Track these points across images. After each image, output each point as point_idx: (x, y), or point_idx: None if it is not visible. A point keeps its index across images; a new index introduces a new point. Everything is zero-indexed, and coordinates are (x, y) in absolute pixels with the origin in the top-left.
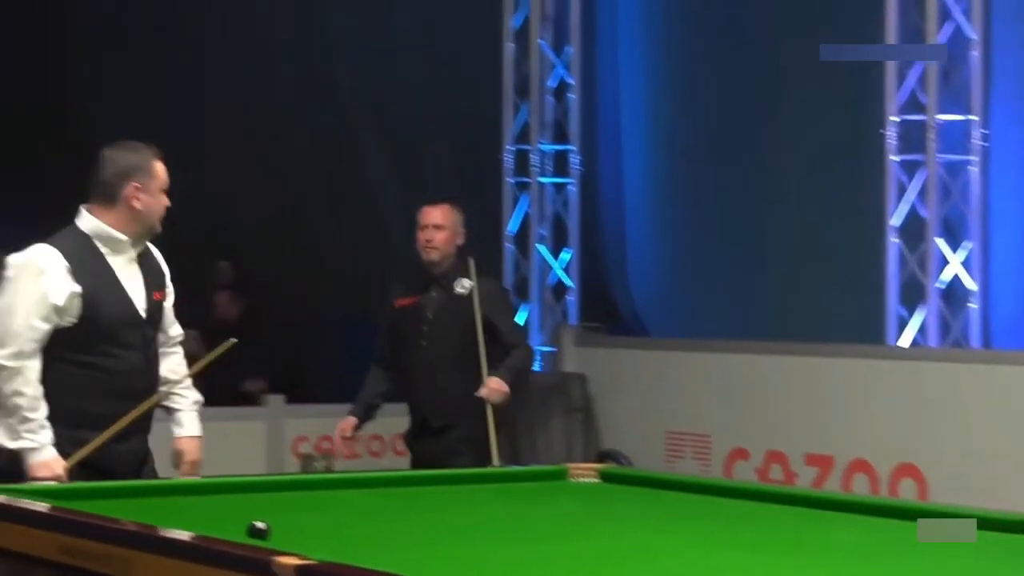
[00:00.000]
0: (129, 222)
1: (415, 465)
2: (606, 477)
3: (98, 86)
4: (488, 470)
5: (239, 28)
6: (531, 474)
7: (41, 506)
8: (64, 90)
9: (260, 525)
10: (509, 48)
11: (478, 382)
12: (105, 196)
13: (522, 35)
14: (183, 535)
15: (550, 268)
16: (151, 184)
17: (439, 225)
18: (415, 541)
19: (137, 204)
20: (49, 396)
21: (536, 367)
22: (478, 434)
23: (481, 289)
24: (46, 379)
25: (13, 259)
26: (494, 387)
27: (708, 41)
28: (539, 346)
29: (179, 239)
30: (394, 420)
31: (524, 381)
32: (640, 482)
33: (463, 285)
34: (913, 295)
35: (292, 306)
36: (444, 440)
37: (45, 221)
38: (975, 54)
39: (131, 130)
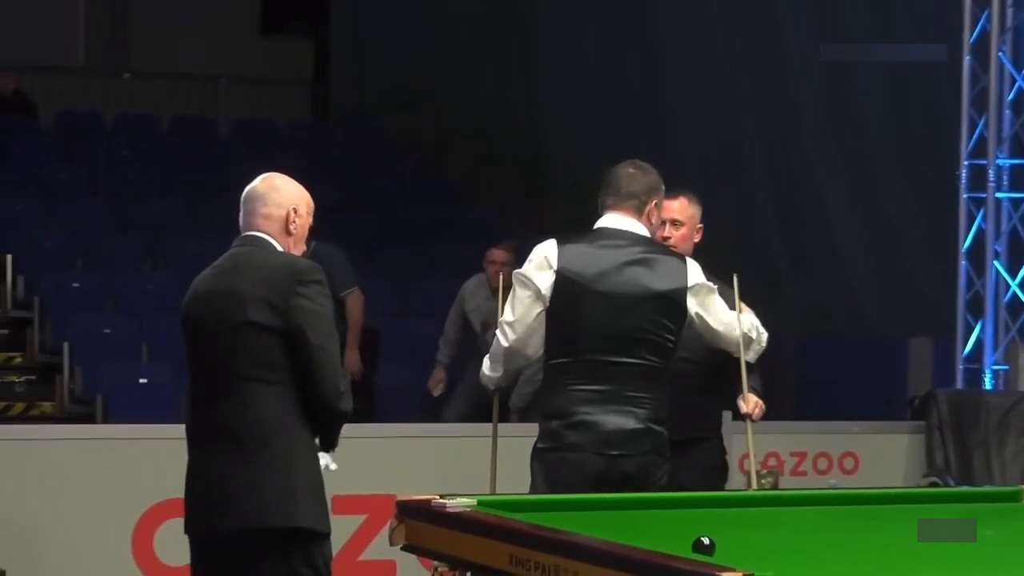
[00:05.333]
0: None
1: None
2: None
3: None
4: (942, 490)
5: (689, 55)
6: (985, 495)
7: (494, 518)
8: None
9: (706, 541)
10: (967, 62)
11: (719, 394)
12: (635, 207)
13: (981, 48)
14: (629, 549)
15: (1006, 285)
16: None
17: (677, 221)
18: (861, 562)
19: (654, 218)
20: None
21: (989, 386)
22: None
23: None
24: None
25: None
26: (758, 402)
27: None
28: (992, 365)
29: None
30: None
31: None
32: None
33: None
34: None
35: None
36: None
37: None
38: None
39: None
